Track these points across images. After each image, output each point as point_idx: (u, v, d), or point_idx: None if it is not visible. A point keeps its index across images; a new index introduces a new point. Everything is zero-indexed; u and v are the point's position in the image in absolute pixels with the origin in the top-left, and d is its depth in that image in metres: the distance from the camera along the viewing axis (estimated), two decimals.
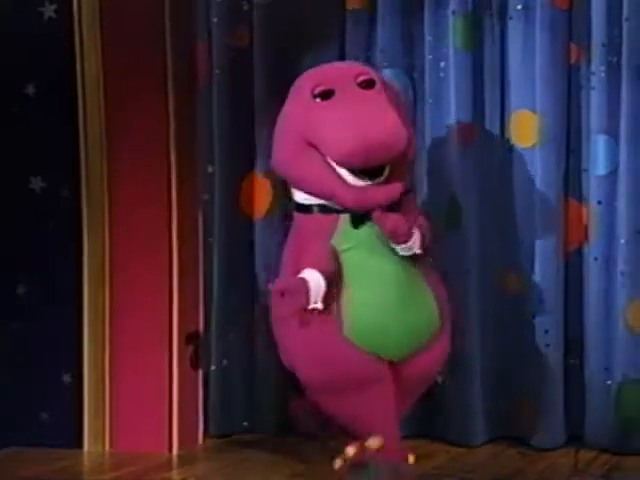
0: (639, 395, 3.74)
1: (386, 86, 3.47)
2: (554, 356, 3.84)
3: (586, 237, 3.85)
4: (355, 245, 3.38)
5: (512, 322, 3.91)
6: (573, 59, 3.87)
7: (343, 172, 3.33)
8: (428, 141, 3.97)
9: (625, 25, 3.76)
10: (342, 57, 4.02)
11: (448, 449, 3.84)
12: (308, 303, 3.30)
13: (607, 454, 3.74)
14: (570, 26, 3.87)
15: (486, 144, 3.92)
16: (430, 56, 3.96)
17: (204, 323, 4.08)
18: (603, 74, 3.78)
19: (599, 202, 3.81)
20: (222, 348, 4.13)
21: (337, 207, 3.38)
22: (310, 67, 3.95)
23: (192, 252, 3.93)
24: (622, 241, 3.76)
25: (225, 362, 4.13)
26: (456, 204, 3.89)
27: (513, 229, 3.91)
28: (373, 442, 3.34)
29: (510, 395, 3.90)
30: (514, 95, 3.90)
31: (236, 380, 4.14)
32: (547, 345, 3.83)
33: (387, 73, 3.95)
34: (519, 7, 3.87)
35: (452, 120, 3.90)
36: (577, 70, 3.87)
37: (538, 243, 3.86)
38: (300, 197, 3.47)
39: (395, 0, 4.00)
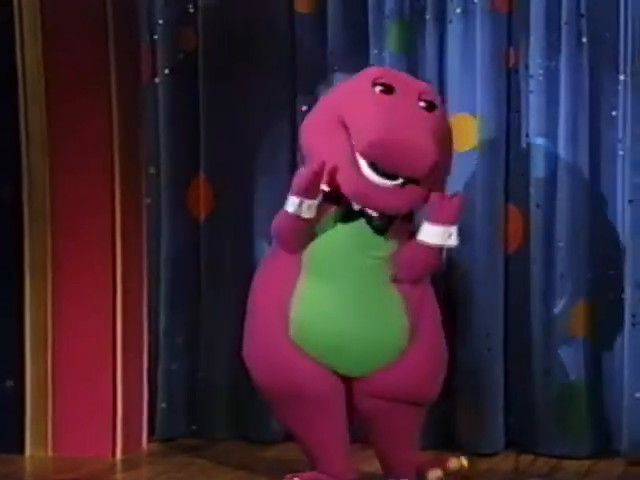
0: (580, 398, 3.78)
1: (443, 117, 3.33)
2: (495, 360, 3.87)
3: (526, 240, 3.88)
4: (334, 238, 3.22)
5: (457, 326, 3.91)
6: (512, 63, 3.89)
7: (360, 161, 3.16)
8: None
9: (564, 29, 3.79)
10: (292, 60, 4.05)
11: None
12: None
13: (547, 457, 3.77)
14: (510, 30, 3.89)
15: None
16: (372, 60, 3.97)
17: (151, 326, 4.12)
18: (541, 77, 3.81)
19: (538, 205, 3.84)
20: (169, 351, 4.18)
21: (335, 197, 3.21)
22: (257, 70, 4.06)
23: (136, 253, 3.93)
24: (561, 244, 3.80)
25: (172, 365, 4.17)
26: None
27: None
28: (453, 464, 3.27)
29: (450, 399, 3.91)
30: (453, 99, 3.91)
31: (183, 383, 4.19)
32: (488, 349, 3.86)
33: (338, 77, 3.98)
34: (458, 11, 3.89)
35: None
36: (516, 73, 3.89)
37: (478, 246, 3.88)
38: None
39: (342, 3, 4.02)
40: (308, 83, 4.03)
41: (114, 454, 3.83)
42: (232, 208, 4.15)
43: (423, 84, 3.39)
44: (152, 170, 4.18)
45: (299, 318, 3.20)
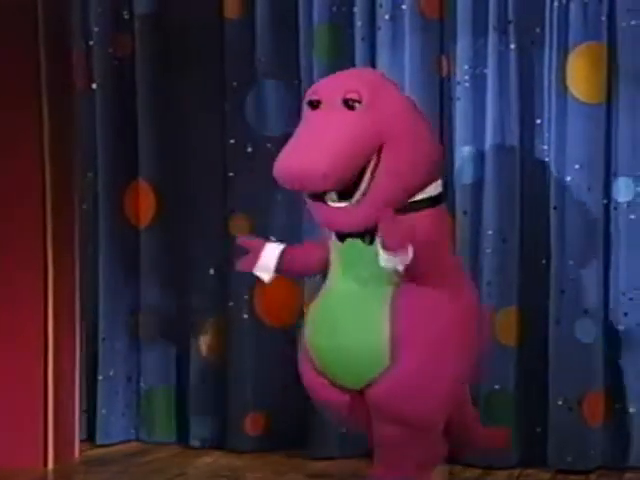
0: (507, 406, 3.80)
1: (369, 110, 3.15)
2: None
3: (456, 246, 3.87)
4: (336, 258, 3.27)
5: None
6: (443, 69, 3.91)
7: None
8: None
9: (491, 35, 3.80)
10: (222, 67, 4.08)
11: (307, 463, 3.92)
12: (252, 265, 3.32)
13: (475, 467, 3.80)
14: (442, 36, 3.90)
15: None
16: (304, 65, 3.99)
17: (90, 332, 4.19)
18: (468, 84, 3.83)
19: (465, 212, 3.86)
20: (109, 357, 4.22)
21: None
22: (190, 75, 4.10)
23: (68, 259, 3.94)
24: (488, 251, 3.82)
25: (112, 371, 4.22)
26: None
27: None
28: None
29: None
30: None
31: (123, 389, 4.24)
32: None
33: (267, 82, 4.03)
34: (387, 17, 3.91)
35: None
36: (447, 81, 3.90)
37: None
38: None
39: (271, 9, 4.04)
40: (237, 89, 4.05)
41: (45, 464, 3.84)
42: (171, 213, 4.19)
43: (351, 82, 3.23)
44: (89, 175, 4.23)
45: (306, 330, 3.34)
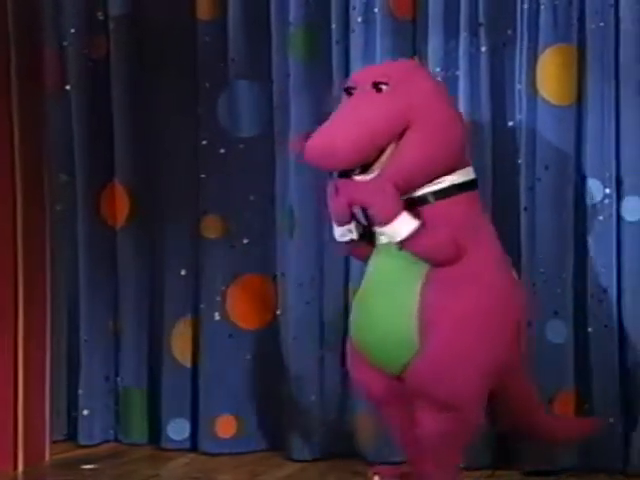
0: None
1: (396, 91, 3.25)
2: None
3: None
4: (377, 249, 3.34)
5: None
6: None
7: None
8: (276, 150, 4.05)
9: (462, 38, 3.83)
10: (195, 68, 4.11)
11: (285, 464, 3.94)
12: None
13: None
14: (414, 38, 3.93)
15: None
16: (277, 67, 4.03)
17: (69, 332, 4.23)
18: None
19: None
20: (90, 358, 4.24)
21: None
22: (164, 76, 4.13)
23: (39, 262, 3.94)
24: None
25: (93, 372, 4.25)
26: (293, 214, 4.00)
27: None
28: None
29: (354, 408, 3.97)
30: None
31: (104, 390, 4.26)
32: None
33: (240, 83, 4.06)
34: (359, 20, 3.94)
35: (292, 131, 3.98)
36: None
37: None
38: None
39: (244, 11, 4.07)
40: (210, 90, 4.08)
41: (15, 467, 3.84)
42: (145, 214, 4.21)
43: (382, 68, 3.48)
44: (64, 177, 4.25)
45: (351, 321, 3.42)
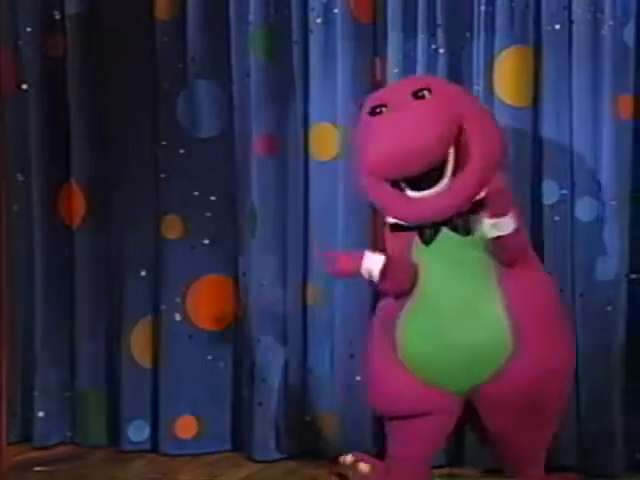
0: None
1: (440, 97, 3.36)
2: (358, 366, 3.91)
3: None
4: (426, 263, 3.32)
5: (313, 334, 4.03)
6: (377, 72, 3.97)
7: (403, 185, 3.30)
8: (237, 150, 4.08)
9: (420, 39, 3.89)
10: (154, 68, 4.12)
11: (246, 464, 3.96)
12: (357, 271, 3.32)
13: None
14: (375, 40, 3.97)
15: (287, 155, 4.04)
16: (236, 67, 4.05)
17: (25, 333, 4.23)
18: None
19: None
20: (46, 360, 4.24)
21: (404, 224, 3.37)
22: (122, 76, 4.13)
23: None
24: None
25: (48, 374, 4.24)
26: (254, 214, 4.02)
27: (317, 241, 3.98)
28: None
29: (317, 408, 4.02)
30: (314, 108, 4.00)
31: (59, 392, 4.26)
32: (351, 356, 3.96)
33: (200, 83, 4.08)
34: (318, 21, 3.98)
35: (254, 130, 4.01)
36: (380, 83, 3.94)
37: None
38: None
39: (203, 11, 4.08)
40: (169, 90, 4.09)
41: None
42: (103, 214, 4.21)
43: (415, 79, 3.60)
44: (20, 177, 4.25)
45: (403, 338, 3.30)
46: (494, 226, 3.20)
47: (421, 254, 3.33)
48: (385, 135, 3.26)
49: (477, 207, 3.25)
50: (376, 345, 3.40)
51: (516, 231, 3.24)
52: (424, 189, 3.26)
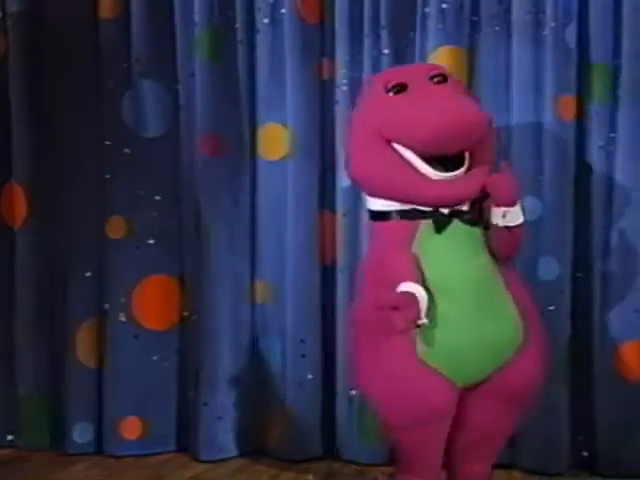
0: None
1: (458, 83, 3.42)
2: (309, 366, 3.99)
3: (337, 248, 4.01)
4: (436, 253, 3.25)
5: (263, 333, 4.05)
6: (325, 73, 4.02)
7: (422, 166, 3.22)
8: (183, 150, 4.09)
9: (366, 40, 3.94)
10: (99, 67, 4.11)
11: (192, 464, 3.98)
12: (419, 317, 3.10)
13: (356, 464, 3.93)
14: (322, 40, 4.02)
15: (233, 156, 4.05)
16: (182, 67, 4.06)
17: None
18: (346, 88, 3.95)
19: (344, 213, 3.98)
20: None
21: (417, 211, 3.26)
22: (65, 76, 4.12)
23: None
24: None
25: None
26: (199, 214, 4.03)
27: (266, 241, 4.06)
28: None
29: (265, 407, 4.05)
30: (262, 108, 4.03)
31: (0, 395, 4.23)
32: (303, 355, 3.99)
33: (145, 83, 4.08)
34: (266, 21, 4.01)
35: (200, 131, 4.02)
36: (328, 84, 4.01)
37: (292, 254, 4.00)
38: (377, 204, 3.34)
39: (147, 10, 4.09)
40: (114, 89, 4.09)
41: None
42: (46, 215, 4.19)
43: (427, 64, 3.59)
44: None
45: (424, 338, 3.19)
46: (503, 215, 3.22)
47: (427, 244, 3.26)
48: (440, 105, 3.17)
49: (484, 197, 3.27)
50: (385, 350, 3.22)
51: (522, 224, 3.29)
52: (451, 170, 3.22)
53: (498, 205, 3.23)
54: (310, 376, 3.97)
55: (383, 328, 3.14)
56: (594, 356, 3.83)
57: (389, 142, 3.26)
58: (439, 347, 3.19)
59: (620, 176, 3.80)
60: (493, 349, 3.23)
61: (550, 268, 3.82)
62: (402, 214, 3.28)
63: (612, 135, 3.81)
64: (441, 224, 3.25)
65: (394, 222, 3.29)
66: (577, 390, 3.85)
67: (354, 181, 3.47)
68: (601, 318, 3.81)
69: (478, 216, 3.27)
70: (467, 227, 3.26)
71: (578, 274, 3.86)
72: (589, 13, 3.80)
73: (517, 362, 3.26)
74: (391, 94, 3.29)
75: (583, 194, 3.85)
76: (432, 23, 3.88)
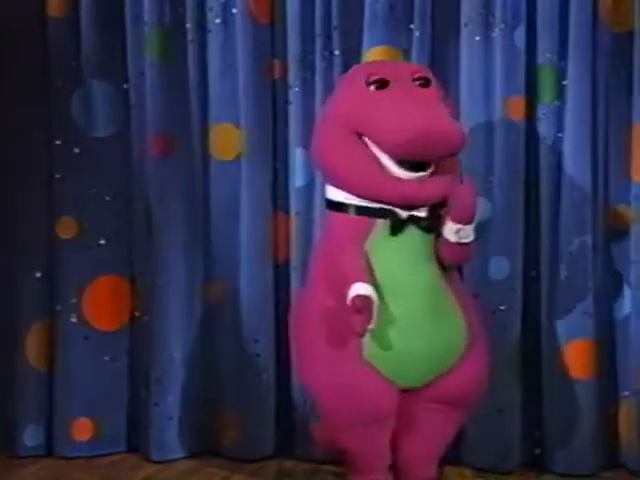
0: None
1: (440, 89, 3.43)
2: (263, 366, 4.01)
3: (290, 247, 4.04)
4: (388, 255, 3.26)
5: (219, 332, 4.06)
6: (276, 73, 4.04)
7: (389, 164, 3.23)
8: (134, 151, 4.09)
9: (317, 41, 3.96)
10: (47, 65, 4.08)
11: (144, 465, 3.98)
12: (370, 322, 3.11)
13: (309, 463, 3.94)
14: (273, 41, 4.04)
15: (185, 156, 4.06)
16: (132, 66, 4.06)
17: None
18: (297, 89, 3.98)
19: (297, 213, 4.01)
20: None
21: (377, 209, 3.27)
22: (12, 74, 4.08)
23: None
24: None
25: None
26: (151, 215, 4.03)
27: (220, 240, 4.07)
28: None
29: (218, 407, 4.06)
30: (214, 108, 4.04)
31: None
32: (257, 355, 4.01)
33: (94, 82, 4.08)
34: (217, 21, 4.02)
35: (151, 130, 4.03)
36: (280, 84, 4.04)
37: (245, 254, 4.02)
38: (336, 194, 3.34)
39: (97, 9, 4.08)
40: (63, 88, 4.07)
41: None
42: None
43: (411, 65, 3.59)
44: None
45: (373, 338, 3.19)
46: (456, 232, 3.25)
47: (381, 244, 3.27)
48: (418, 112, 3.19)
49: (441, 206, 3.30)
50: (333, 347, 3.25)
51: (472, 243, 3.32)
52: (417, 171, 3.23)
53: (454, 220, 3.25)
54: (264, 376, 4.00)
55: (337, 328, 3.17)
56: (543, 355, 3.88)
57: (360, 135, 3.26)
58: (388, 350, 3.21)
59: (568, 175, 3.86)
60: (440, 355, 3.28)
61: (501, 268, 3.88)
62: (360, 210, 3.29)
63: (560, 135, 3.87)
64: (397, 226, 3.26)
65: (351, 216, 3.30)
66: (528, 389, 3.90)
67: (318, 166, 3.46)
68: (551, 318, 3.87)
69: (435, 224, 3.28)
70: (421, 233, 3.28)
71: (530, 273, 3.91)
72: (537, 15, 3.85)
73: (460, 368, 3.31)
74: (372, 88, 3.29)
75: (533, 194, 3.91)
76: (381, 24, 3.91)
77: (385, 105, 3.24)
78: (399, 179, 3.24)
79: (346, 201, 3.31)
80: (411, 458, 3.41)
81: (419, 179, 3.24)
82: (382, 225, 3.28)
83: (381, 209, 3.27)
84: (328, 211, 3.41)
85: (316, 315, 3.30)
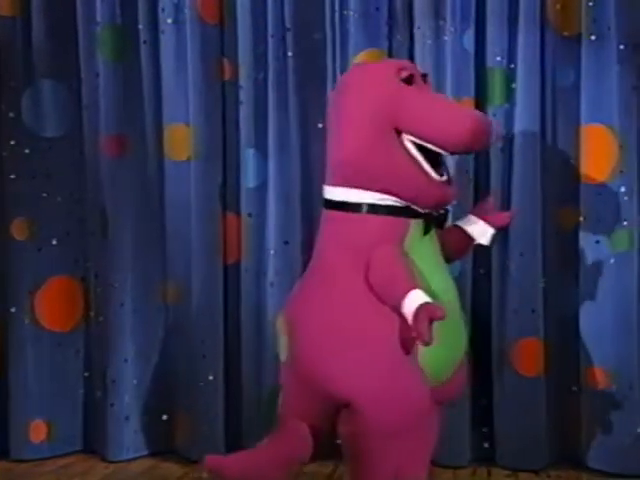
0: None
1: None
2: (209, 367, 4.08)
3: (242, 249, 4.12)
4: (422, 255, 3.21)
5: (173, 332, 4.15)
6: (226, 74, 4.11)
7: (425, 165, 3.17)
8: (86, 151, 4.14)
9: (270, 42, 4.04)
10: None
11: (100, 465, 4.06)
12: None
13: None
14: (222, 41, 4.10)
15: (138, 156, 4.13)
16: (84, 66, 4.11)
17: None
18: (250, 89, 4.05)
19: (249, 214, 4.08)
20: None
21: (412, 209, 3.20)
22: None
23: None
24: (271, 252, 4.06)
25: None
26: (105, 216, 4.10)
27: (170, 242, 4.14)
28: None
29: (172, 407, 4.14)
30: (167, 108, 4.11)
31: None
32: (203, 356, 4.08)
33: (45, 83, 4.12)
34: (169, 21, 4.09)
35: (103, 131, 4.09)
36: (230, 85, 4.10)
37: (196, 255, 4.09)
38: (360, 196, 3.19)
39: (48, 8, 4.12)
40: (14, 88, 4.11)
41: None
42: None
43: (410, 63, 3.59)
44: None
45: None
46: (490, 235, 3.41)
47: (415, 245, 3.22)
48: (460, 106, 3.49)
49: None
50: (392, 353, 3.13)
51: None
52: (440, 173, 3.23)
53: (493, 225, 3.40)
54: (211, 377, 4.07)
55: (393, 335, 3.11)
56: (493, 352, 4.00)
57: (399, 133, 3.19)
58: (436, 356, 3.16)
59: (517, 176, 3.97)
60: (453, 364, 3.27)
61: (452, 266, 3.92)
62: (395, 210, 3.19)
63: (509, 136, 3.99)
64: (429, 225, 3.26)
65: (384, 217, 3.19)
66: (477, 385, 4.01)
67: (343, 164, 3.24)
68: (500, 315, 3.98)
69: (443, 220, 3.32)
70: (433, 232, 3.28)
71: (480, 271, 4.03)
72: (486, 19, 3.96)
73: (460, 369, 3.32)
74: (403, 84, 3.22)
75: (483, 193, 4.00)
76: (339, 27, 4.00)
77: (428, 100, 3.22)
78: (434, 181, 3.22)
79: (378, 202, 3.19)
80: (406, 462, 3.29)
81: (444, 181, 3.26)
82: (415, 225, 3.23)
83: (413, 209, 3.22)
84: (341, 213, 3.22)
85: (354, 321, 3.14)
